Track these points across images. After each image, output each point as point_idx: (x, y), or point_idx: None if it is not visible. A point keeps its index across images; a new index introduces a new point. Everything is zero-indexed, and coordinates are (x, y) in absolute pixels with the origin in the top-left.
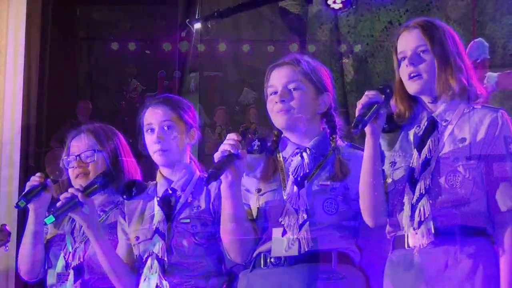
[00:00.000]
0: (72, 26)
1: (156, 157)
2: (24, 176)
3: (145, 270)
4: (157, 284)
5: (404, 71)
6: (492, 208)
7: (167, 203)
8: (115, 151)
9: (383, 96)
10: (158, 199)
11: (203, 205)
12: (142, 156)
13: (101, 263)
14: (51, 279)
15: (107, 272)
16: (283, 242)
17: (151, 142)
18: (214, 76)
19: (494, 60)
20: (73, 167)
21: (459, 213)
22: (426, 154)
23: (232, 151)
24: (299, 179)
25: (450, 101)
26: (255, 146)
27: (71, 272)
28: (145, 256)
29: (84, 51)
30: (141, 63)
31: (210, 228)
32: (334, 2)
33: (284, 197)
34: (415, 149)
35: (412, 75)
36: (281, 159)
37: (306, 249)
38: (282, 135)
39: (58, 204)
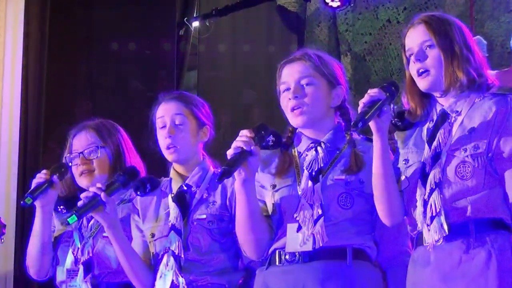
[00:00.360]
0: (70, 26)
1: (167, 153)
2: (23, 175)
3: (161, 267)
4: (172, 281)
5: (412, 67)
6: (508, 196)
7: (182, 200)
8: (118, 147)
9: (387, 93)
10: (173, 195)
11: (219, 201)
12: (147, 153)
13: (120, 260)
14: (60, 276)
15: (126, 270)
16: (298, 237)
17: (162, 137)
18: (213, 75)
19: (492, 58)
20: (77, 164)
21: (472, 206)
22: (435, 147)
23: (245, 147)
24: (313, 173)
25: (461, 93)
26: (270, 141)
27: (81, 267)
28: (162, 253)
29: (83, 50)
30: (140, 62)
31: (226, 224)
32: (332, 1)
33: (299, 192)
34: (426, 144)
35: (420, 71)
36: (296, 154)
37: (321, 244)
38: (297, 130)
39: (80, 203)
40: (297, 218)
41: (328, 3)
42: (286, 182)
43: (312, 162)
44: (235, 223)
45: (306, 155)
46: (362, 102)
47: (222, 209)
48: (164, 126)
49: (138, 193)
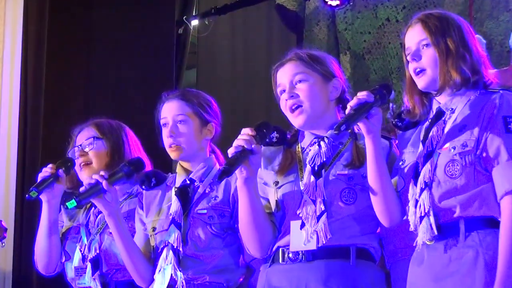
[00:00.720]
0: (69, 25)
1: (170, 152)
2: (22, 174)
3: (160, 260)
4: (171, 275)
5: (410, 67)
6: (497, 193)
7: (184, 193)
8: (117, 141)
9: (377, 96)
10: (176, 189)
11: (220, 196)
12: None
13: (119, 252)
14: (70, 272)
15: (125, 261)
16: (301, 235)
17: (165, 136)
18: (212, 73)
19: (491, 57)
20: (77, 157)
21: (461, 205)
22: (427, 146)
23: (246, 146)
24: (316, 168)
25: (456, 91)
26: (274, 138)
27: (88, 264)
28: (161, 246)
29: (82, 49)
30: (139, 60)
31: (227, 220)
32: None
33: (302, 188)
34: (421, 143)
35: (417, 70)
36: (300, 149)
37: (324, 242)
38: None
39: (81, 189)
40: (300, 215)
41: (327, 2)
42: (289, 178)
43: (315, 157)
44: (237, 219)
45: (310, 150)
46: (349, 105)
47: (223, 204)
48: (166, 125)
49: (144, 187)
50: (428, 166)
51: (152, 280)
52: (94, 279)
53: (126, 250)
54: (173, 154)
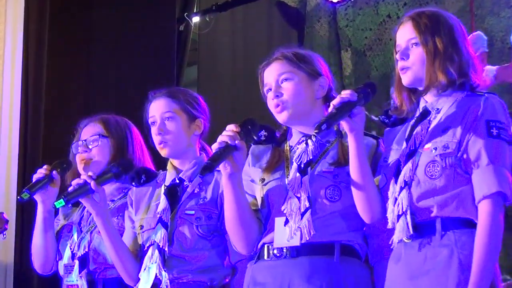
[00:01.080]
0: (70, 22)
1: (160, 149)
2: (23, 171)
3: (146, 259)
4: (156, 274)
5: (398, 65)
6: (476, 196)
7: (173, 193)
8: (122, 140)
9: (360, 95)
10: (165, 187)
11: (209, 197)
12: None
13: (107, 251)
14: (62, 270)
15: (113, 260)
16: (285, 232)
17: (153, 135)
18: (213, 70)
19: (492, 53)
20: (79, 152)
21: (438, 205)
22: (410, 145)
23: (229, 142)
24: (302, 166)
25: (442, 92)
26: (262, 136)
27: (76, 262)
28: (147, 245)
29: (83, 45)
30: (140, 57)
31: (214, 221)
32: None
33: (287, 185)
34: (405, 141)
35: (402, 68)
36: (288, 148)
37: (307, 238)
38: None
39: (70, 189)
40: (284, 211)
41: None
42: (275, 176)
43: (302, 155)
44: (223, 221)
45: (297, 148)
46: (332, 104)
47: (211, 206)
48: (154, 123)
49: (133, 183)
50: (409, 165)
51: (139, 278)
52: (81, 277)
53: (114, 249)
54: (162, 151)
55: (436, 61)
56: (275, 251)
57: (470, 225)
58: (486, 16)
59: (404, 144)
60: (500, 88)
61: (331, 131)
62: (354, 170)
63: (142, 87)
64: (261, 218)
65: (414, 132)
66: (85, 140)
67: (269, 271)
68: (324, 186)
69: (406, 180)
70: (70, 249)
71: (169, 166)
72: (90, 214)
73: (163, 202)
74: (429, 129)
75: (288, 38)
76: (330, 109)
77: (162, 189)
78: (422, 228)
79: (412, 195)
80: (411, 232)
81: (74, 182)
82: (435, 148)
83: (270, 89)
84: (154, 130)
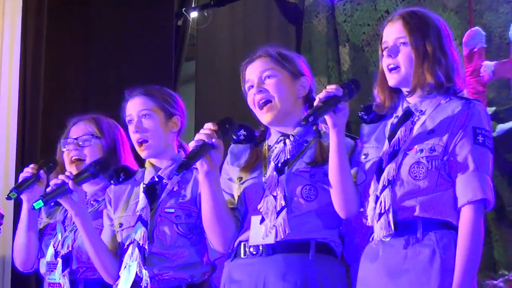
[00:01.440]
0: (68, 18)
1: (139, 150)
2: (21, 167)
3: (126, 257)
4: (136, 272)
5: (384, 62)
6: (458, 200)
7: (152, 191)
8: (113, 143)
9: (345, 90)
10: (144, 185)
11: (188, 195)
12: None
13: (87, 250)
14: (43, 268)
15: (92, 259)
16: (260, 230)
17: (131, 133)
18: (211, 65)
19: (490, 49)
20: (69, 150)
21: (422, 206)
22: (394, 144)
23: (206, 140)
24: (279, 165)
25: (427, 94)
26: (241, 136)
27: (59, 261)
28: (127, 243)
29: (81, 41)
30: (138, 53)
31: (194, 220)
32: None
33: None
34: (387, 139)
35: (390, 67)
36: (266, 147)
37: (282, 237)
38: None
39: (48, 189)
40: (261, 210)
41: None
42: (253, 175)
43: (279, 154)
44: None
45: (275, 147)
46: (318, 97)
47: (191, 204)
48: (131, 122)
49: (112, 182)
50: (392, 165)
51: (119, 276)
52: (63, 275)
53: (94, 248)
54: (143, 153)
55: (425, 63)
56: (251, 249)
57: (449, 227)
58: (485, 12)
59: (386, 143)
60: (498, 83)
61: (310, 131)
62: (333, 166)
63: (140, 82)
64: (238, 216)
65: (398, 133)
66: (76, 139)
67: (245, 268)
68: (301, 185)
69: (390, 179)
70: (54, 247)
71: (147, 164)
72: None
73: (142, 201)
74: (413, 130)
75: (286, 33)
76: (316, 102)
77: (141, 187)
78: (403, 227)
79: (394, 194)
80: (393, 230)
81: (52, 182)
82: (421, 150)
83: (252, 86)
84: (131, 128)
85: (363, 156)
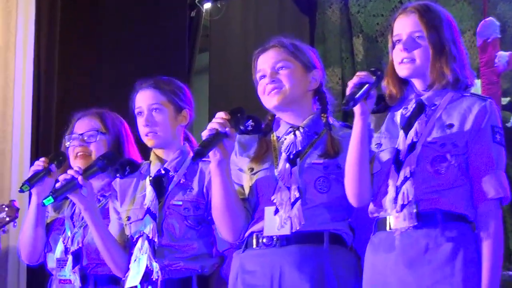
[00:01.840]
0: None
1: (146, 140)
2: (35, 159)
3: (136, 250)
4: (147, 265)
5: (397, 54)
6: (476, 196)
7: (159, 183)
8: (118, 137)
9: (374, 77)
10: (151, 178)
11: (196, 188)
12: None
13: (96, 245)
14: (51, 263)
15: (102, 253)
16: (275, 221)
17: (140, 125)
18: (225, 57)
19: (504, 39)
20: (74, 145)
21: (442, 198)
22: (412, 137)
23: (219, 129)
24: (291, 156)
25: (441, 88)
26: (249, 126)
27: (70, 257)
28: (136, 236)
29: (94, 33)
30: (151, 44)
31: (202, 212)
32: None
33: (276, 175)
34: (402, 131)
35: (405, 60)
36: (275, 138)
37: (298, 228)
38: (276, 116)
39: (57, 185)
40: (274, 201)
41: None
42: (264, 165)
43: (290, 146)
44: (210, 211)
45: (285, 139)
46: (352, 83)
47: (198, 197)
48: (141, 114)
49: (118, 175)
50: (412, 157)
51: (128, 269)
52: (74, 272)
53: (103, 242)
54: (149, 142)
55: (442, 58)
56: (264, 240)
57: (466, 220)
58: (499, 2)
59: (402, 134)
60: None
61: (319, 123)
62: (355, 153)
63: (154, 74)
64: (247, 207)
65: (416, 125)
66: (81, 134)
67: (258, 259)
68: (314, 177)
69: (412, 171)
70: (63, 243)
71: (152, 157)
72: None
73: (150, 193)
74: (428, 123)
75: (299, 24)
76: (349, 87)
77: (147, 180)
78: (424, 218)
79: (416, 186)
80: (416, 222)
81: (61, 177)
82: (443, 145)
83: (264, 76)
84: (140, 121)
85: (375, 146)
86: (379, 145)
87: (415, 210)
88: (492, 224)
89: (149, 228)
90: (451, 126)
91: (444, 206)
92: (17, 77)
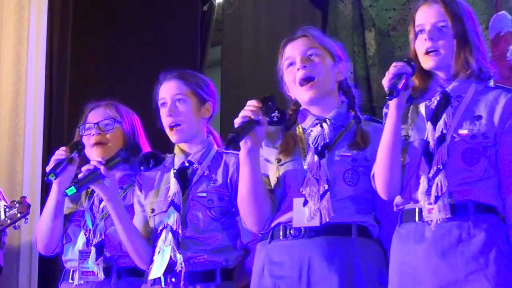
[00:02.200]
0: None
1: (171, 134)
2: (47, 152)
3: (160, 242)
4: (171, 257)
5: (421, 45)
6: (505, 188)
7: (183, 176)
8: (133, 128)
9: (410, 68)
10: (175, 171)
11: (220, 180)
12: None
13: (119, 235)
14: (69, 254)
15: (125, 244)
16: (304, 212)
17: (163, 116)
18: (237, 51)
19: None
20: (90, 134)
21: (473, 190)
22: (442, 129)
23: (252, 116)
24: (319, 148)
25: (465, 79)
26: (275, 117)
27: (93, 249)
28: (160, 228)
29: (107, 27)
30: (164, 38)
31: (226, 203)
32: None
33: (305, 167)
34: (429, 122)
35: (429, 50)
36: (301, 130)
37: (327, 219)
38: (301, 107)
39: (80, 175)
40: (304, 193)
41: None
42: (291, 157)
43: (318, 138)
44: (235, 203)
45: (311, 131)
46: (390, 73)
47: (222, 188)
48: (164, 105)
49: (142, 168)
50: (443, 148)
51: (152, 261)
52: (97, 264)
53: (126, 233)
54: (174, 137)
55: (467, 48)
56: (291, 231)
57: (495, 212)
58: None
59: (430, 126)
60: None
61: (345, 115)
62: (388, 144)
63: (166, 67)
64: (273, 198)
65: (444, 116)
66: (97, 123)
67: (286, 250)
68: (343, 170)
69: (444, 162)
70: (85, 235)
71: (176, 150)
72: (101, 200)
73: (174, 185)
74: (455, 115)
75: (311, 18)
76: (388, 78)
77: (172, 172)
78: (456, 210)
79: (448, 178)
80: (450, 214)
81: (84, 168)
82: (474, 136)
83: (292, 63)
84: (164, 112)
85: (403, 138)
86: (408, 136)
87: (450, 202)
88: None
89: (172, 219)
90: (479, 117)
91: (475, 198)
92: (29, 70)
